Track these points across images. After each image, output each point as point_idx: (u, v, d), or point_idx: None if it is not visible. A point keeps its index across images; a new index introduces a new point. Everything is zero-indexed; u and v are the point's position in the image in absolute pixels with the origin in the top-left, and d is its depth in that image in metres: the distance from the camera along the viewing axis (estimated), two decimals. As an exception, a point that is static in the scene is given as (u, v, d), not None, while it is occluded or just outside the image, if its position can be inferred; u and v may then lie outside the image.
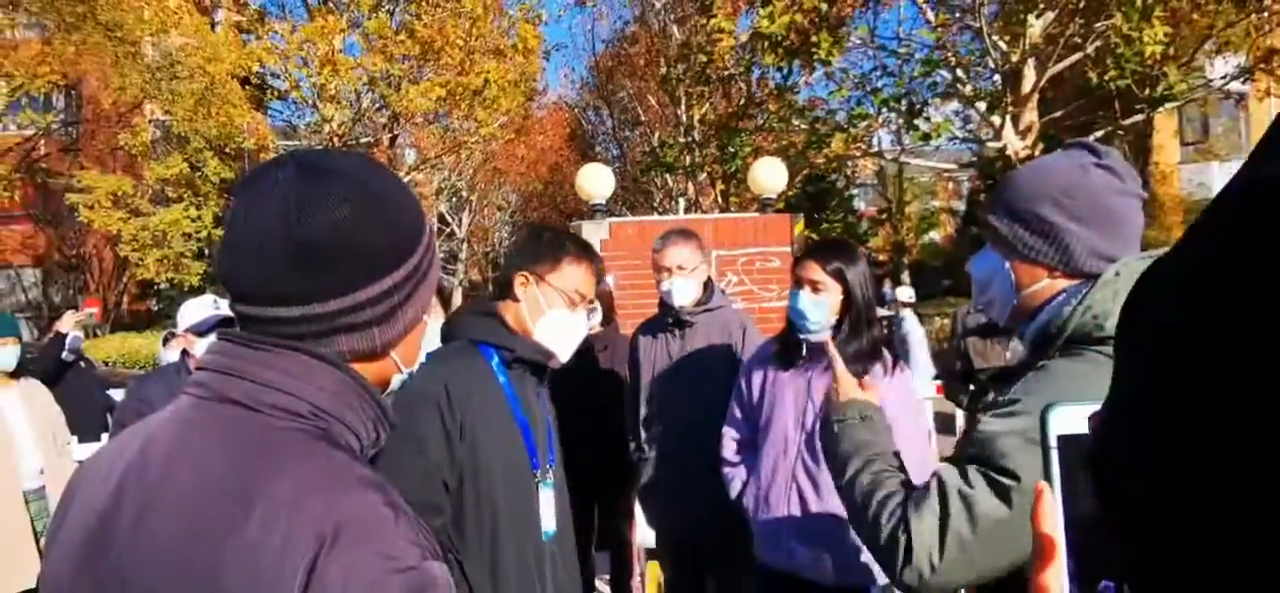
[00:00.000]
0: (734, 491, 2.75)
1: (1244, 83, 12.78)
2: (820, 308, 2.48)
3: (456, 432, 1.67)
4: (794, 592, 2.62)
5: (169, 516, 0.78)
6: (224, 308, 3.29)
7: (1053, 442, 0.58)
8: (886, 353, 2.53)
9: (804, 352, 2.57)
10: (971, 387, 4.35)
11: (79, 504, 0.86)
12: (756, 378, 2.71)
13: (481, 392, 1.75)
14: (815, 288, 2.49)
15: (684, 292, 3.17)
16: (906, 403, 2.51)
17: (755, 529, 2.66)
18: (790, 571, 2.56)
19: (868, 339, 2.50)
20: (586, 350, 3.73)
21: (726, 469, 2.80)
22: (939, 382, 6.63)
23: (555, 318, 1.90)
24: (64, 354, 5.81)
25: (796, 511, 2.52)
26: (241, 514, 0.76)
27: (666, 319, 3.29)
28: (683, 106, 20.61)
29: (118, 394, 6.79)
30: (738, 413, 2.79)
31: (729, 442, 2.81)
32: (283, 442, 0.82)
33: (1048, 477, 0.58)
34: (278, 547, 0.74)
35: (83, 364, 6.21)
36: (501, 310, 1.89)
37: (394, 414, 0.96)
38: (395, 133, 19.59)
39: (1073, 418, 0.58)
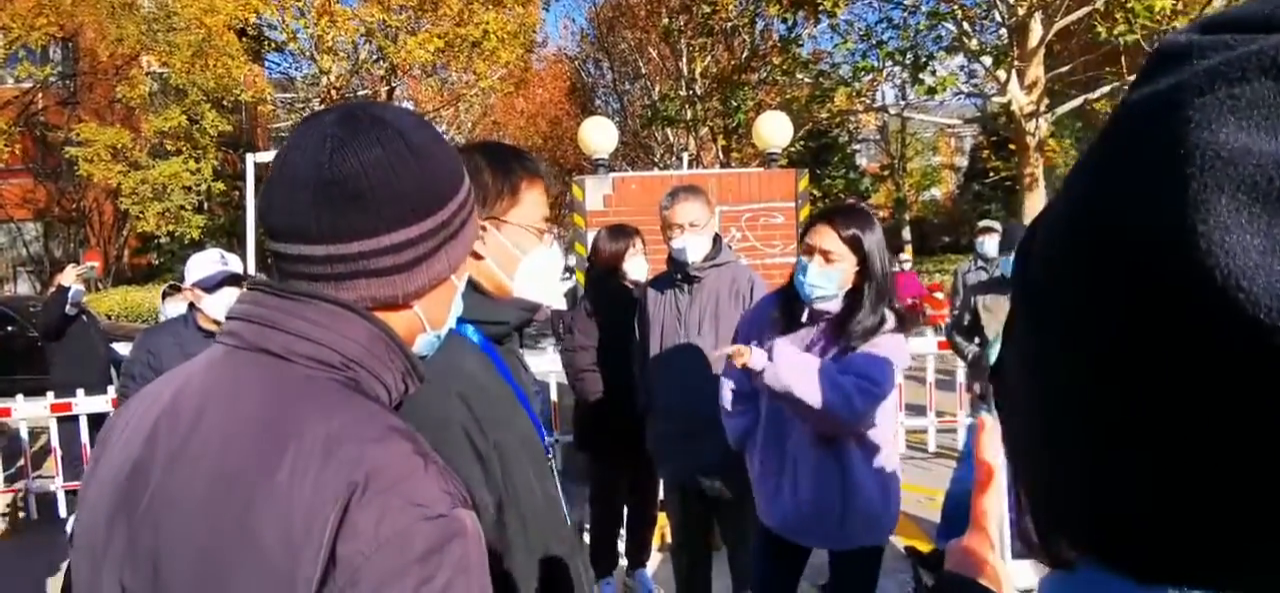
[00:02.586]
0: (735, 439, 2.75)
1: (1253, 39, 12.59)
2: (831, 279, 2.37)
3: (490, 452, 1.36)
4: (789, 548, 2.66)
5: (201, 463, 0.80)
6: (232, 263, 3.29)
7: None
8: (889, 316, 2.43)
9: (805, 316, 2.49)
10: (977, 341, 4.36)
11: (112, 452, 0.88)
12: (753, 341, 2.62)
13: (493, 391, 1.44)
14: (827, 257, 2.37)
15: (697, 248, 3.19)
16: (898, 347, 2.44)
17: (756, 493, 2.66)
18: (784, 536, 2.58)
19: (884, 313, 2.39)
20: (630, 304, 3.75)
21: (727, 420, 2.79)
22: (942, 339, 6.66)
23: (535, 261, 1.55)
24: (67, 308, 5.83)
25: (795, 478, 2.50)
26: (273, 462, 0.77)
27: (675, 275, 3.31)
28: (684, 59, 20.39)
29: (121, 348, 6.82)
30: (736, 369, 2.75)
31: (728, 392, 2.78)
32: (314, 391, 0.84)
33: (989, 408, 0.61)
34: (309, 494, 0.75)
35: (85, 318, 6.22)
36: (473, 275, 1.50)
37: (424, 370, 0.96)
38: (393, 85, 19.44)
39: None
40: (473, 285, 1.48)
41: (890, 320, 2.42)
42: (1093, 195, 0.38)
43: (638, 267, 3.96)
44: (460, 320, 1.37)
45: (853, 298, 2.41)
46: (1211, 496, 0.35)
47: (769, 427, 2.56)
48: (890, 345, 2.40)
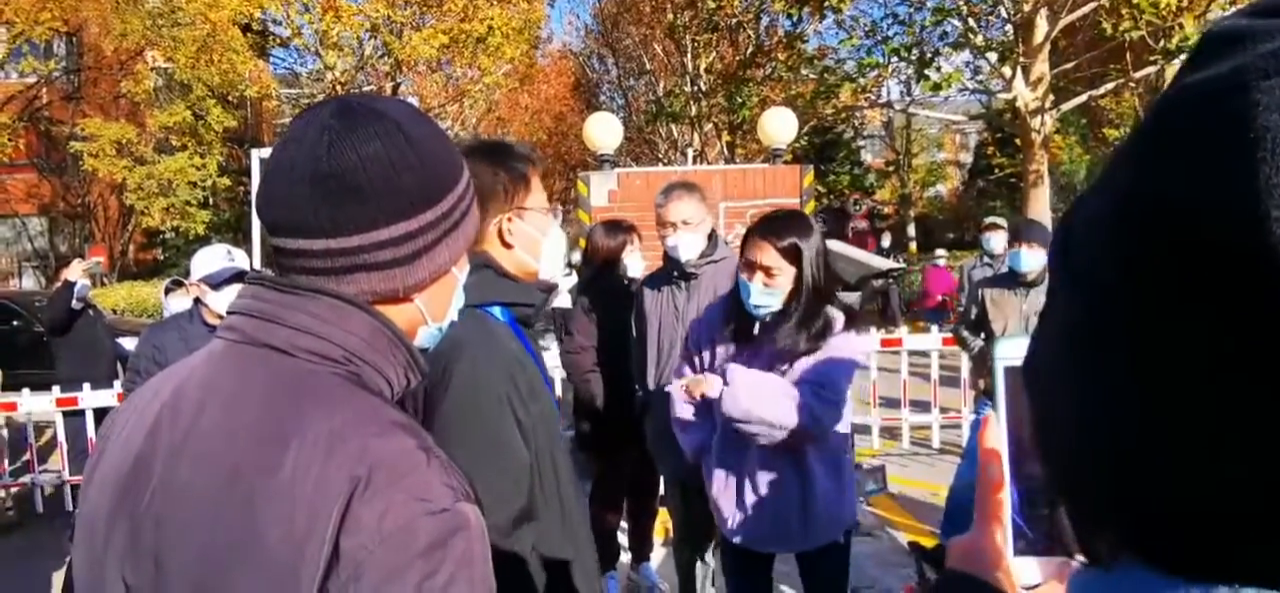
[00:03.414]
0: (691, 453, 2.67)
1: (1260, 35, 12.52)
2: (775, 296, 2.34)
3: (530, 423, 1.49)
4: (754, 557, 2.61)
5: (203, 458, 0.79)
6: (238, 259, 3.29)
7: (999, 370, 0.59)
8: (835, 317, 2.38)
9: (755, 329, 2.44)
10: (983, 337, 4.35)
11: (114, 446, 0.87)
12: (705, 350, 2.60)
13: (528, 368, 1.55)
14: (769, 274, 2.32)
15: (689, 246, 3.16)
16: (853, 346, 2.40)
17: (715, 508, 2.60)
18: (746, 547, 2.55)
19: (820, 322, 2.34)
20: (628, 300, 3.74)
21: (682, 434, 2.68)
22: (947, 334, 6.65)
23: (553, 238, 1.70)
24: (73, 302, 5.85)
25: (755, 490, 2.47)
26: (276, 456, 0.77)
27: (671, 272, 3.29)
28: (689, 55, 20.34)
29: (126, 343, 6.85)
30: (688, 373, 2.66)
31: (683, 406, 2.64)
32: (316, 385, 0.83)
33: (994, 404, 0.60)
34: (312, 489, 0.75)
35: (91, 312, 6.25)
36: (496, 260, 1.61)
37: (425, 364, 0.96)
38: (398, 81, 19.41)
39: (1017, 349, 0.58)
40: (500, 273, 1.61)
41: (839, 322, 2.38)
42: (1146, 182, 0.37)
43: (636, 262, 3.94)
44: (490, 304, 1.57)
45: (787, 304, 2.35)
46: (1270, 487, 0.34)
47: (724, 440, 2.50)
48: (845, 347, 2.37)
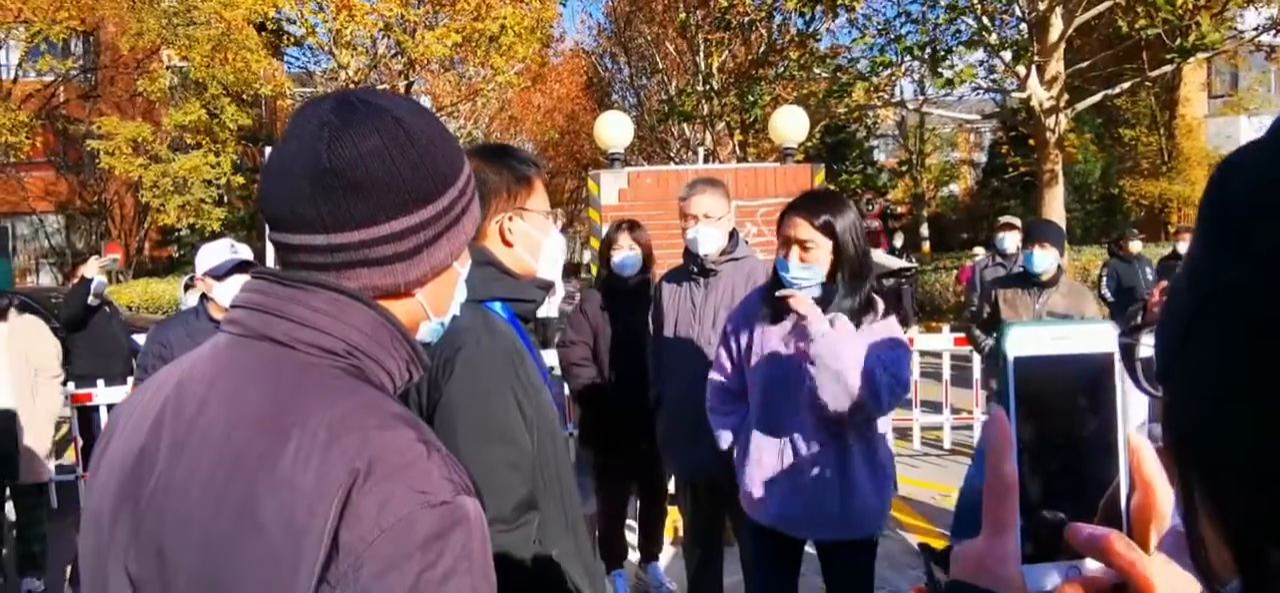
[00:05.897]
0: (724, 443, 2.70)
1: (1276, 35, 12.39)
2: (813, 272, 2.37)
3: (532, 413, 1.52)
4: (784, 546, 2.62)
5: (205, 450, 0.80)
6: (241, 251, 3.30)
7: (1010, 363, 0.56)
8: (877, 300, 2.42)
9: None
10: (995, 336, 4.35)
11: (119, 439, 0.88)
12: (743, 334, 2.62)
13: (529, 363, 1.58)
14: (804, 248, 2.36)
15: (709, 240, 3.17)
16: (895, 331, 2.44)
17: (742, 487, 2.60)
18: (779, 529, 2.54)
19: (863, 295, 2.39)
20: (639, 298, 3.75)
21: (715, 420, 2.72)
22: (959, 334, 6.62)
23: (554, 240, 1.75)
24: (89, 299, 5.90)
25: (794, 470, 2.46)
26: (277, 449, 0.77)
27: (691, 268, 3.30)
28: (701, 54, 20.31)
29: (142, 339, 6.91)
30: (726, 364, 2.69)
31: (716, 394, 2.70)
32: (318, 379, 0.83)
33: (1003, 398, 0.57)
34: (312, 481, 0.75)
35: (107, 309, 6.30)
36: (497, 257, 1.65)
37: (426, 358, 0.96)
38: (411, 80, 19.49)
39: (1027, 339, 0.57)
40: (501, 269, 1.64)
41: (880, 306, 2.41)
42: None
43: (622, 259, 3.86)
44: (491, 300, 1.60)
45: (829, 283, 2.39)
46: None
47: (764, 420, 2.51)
48: (892, 329, 2.41)
